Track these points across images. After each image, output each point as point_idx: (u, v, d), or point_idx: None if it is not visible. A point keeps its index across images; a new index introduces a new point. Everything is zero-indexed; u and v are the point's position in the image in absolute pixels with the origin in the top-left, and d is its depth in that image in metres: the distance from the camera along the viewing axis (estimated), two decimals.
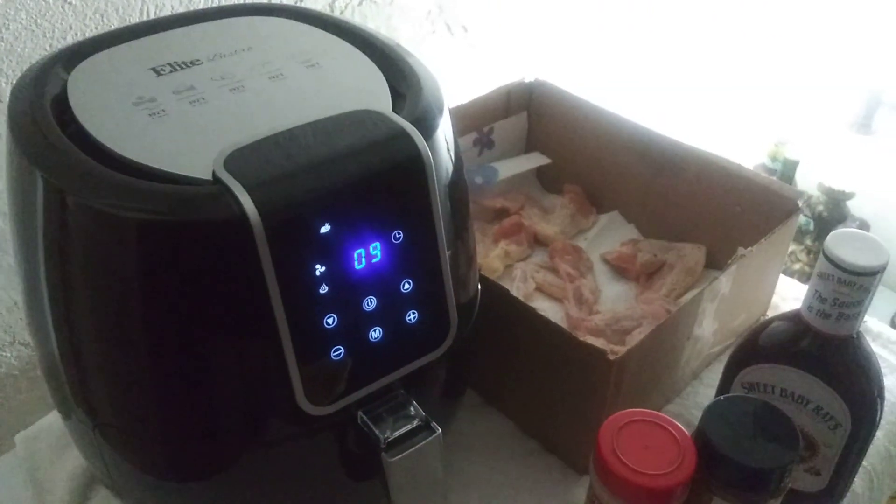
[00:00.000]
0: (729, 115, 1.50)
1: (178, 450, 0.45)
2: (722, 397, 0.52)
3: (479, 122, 0.86)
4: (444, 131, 0.47)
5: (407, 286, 0.43)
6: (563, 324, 0.74)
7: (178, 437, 0.44)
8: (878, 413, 0.55)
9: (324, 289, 0.40)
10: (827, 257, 0.50)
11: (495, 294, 0.60)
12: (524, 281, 0.77)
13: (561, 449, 0.64)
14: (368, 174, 0.41)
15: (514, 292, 0.75)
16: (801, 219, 1.64)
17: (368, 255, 0.41)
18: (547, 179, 0.93)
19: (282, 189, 0.39)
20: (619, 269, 0.81)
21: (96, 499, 0.59)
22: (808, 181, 1.57)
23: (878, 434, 0.66)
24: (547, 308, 0.76)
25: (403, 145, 0.42)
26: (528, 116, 0.91)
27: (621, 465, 0.48)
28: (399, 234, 0.42)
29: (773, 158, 1.65)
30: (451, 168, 0.48)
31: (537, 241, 0.85)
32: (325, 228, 0.39)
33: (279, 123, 0.42)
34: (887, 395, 0.67)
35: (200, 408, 0.43)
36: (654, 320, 0.70)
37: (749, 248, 0.65)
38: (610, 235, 0.85)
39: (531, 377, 0.63)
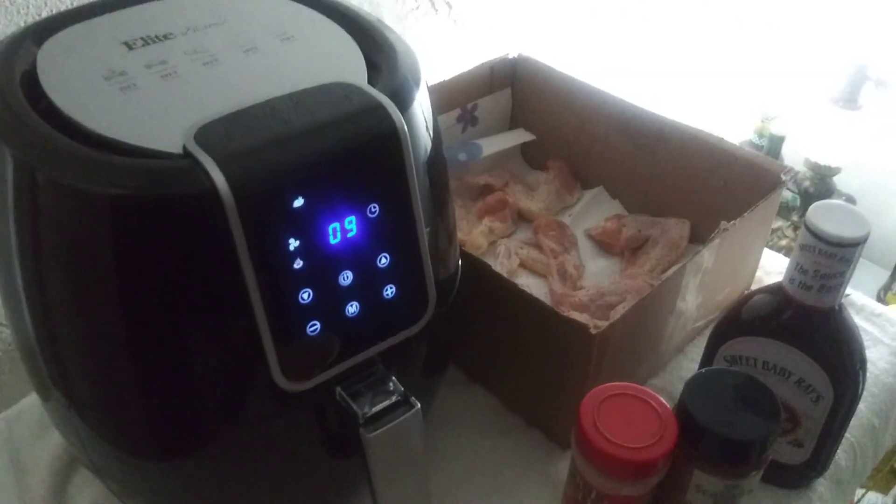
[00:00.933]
0: (715, 92, 1.50)
1: (154, 429, 0.45)
2: (703, 370, 0.52)
3: (462, 98, 0.86)
4: (422, 105, 0.46)
5: (384, 261, 0.43)
6: (546, 300, 0.74)
7: (154, 416, 0.44)
8: (860, 385, 0.56)
9: (298, 264, 0.40)
10: (808, 229, 0.50)
11: (477, 270, 0.60)
12: (508, 257, 0.76)
13: (544, 424, 0.64)
14: (343, 147, 0.40)
15: (497, 268, 0.75)
16: (788, 194, 1.64)
17: (343, 229, 0.41)
18: (531, 156, 0.93)
19: (254, 162, 0.38)
20: (604, 244, 0.81)
21: (78, 479, 0.59)
22: (795, 157, 1.57)
23: (862, 406, 0.66)
24: (531, 284, 0.76)
25: (379, 118, 0.41)
26: (513, 92, 0.90)
27: (602, 439, 0.48)
28: (375, 207, 0.41)
29: (760, 135, 1.64)
30: (429, 142, 0.47)
31: (521, 218, 0.84)
32: (299, 202, 0.39)
33: (253, 97, 0.41)
34: (871, 367, 0.68)
35: (176, 386, 0.42)
36: (638, 295, 0.70)
37: (732, 222, 0.64)
38: (594, 211, 0.85)
39: (514, 353, 0.63)
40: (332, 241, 0.41)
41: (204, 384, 0.43)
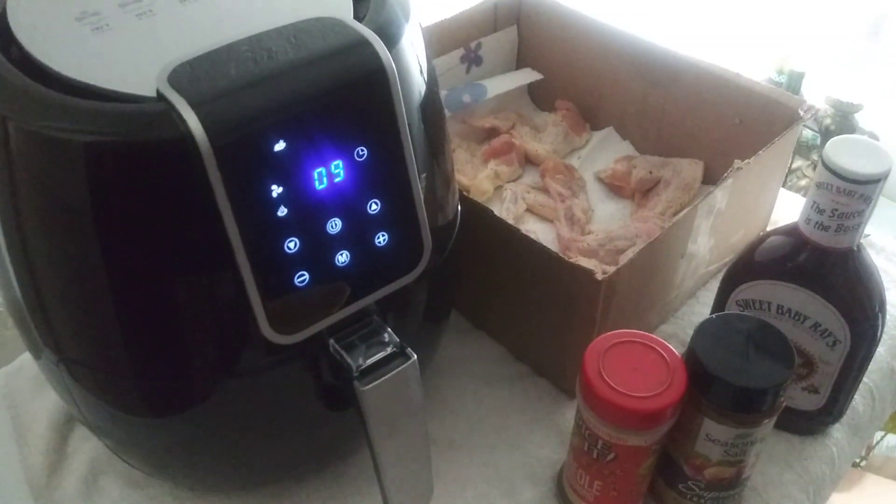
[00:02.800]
0: (735, 28, 1.45)
1: (143, 384, 0.43)
2: (713, 315, 0.50)
3: (465, 37, 0.82)
4: (413, 42, 0.44)
5: (374, 207, 0.41)
6: (554, 245, 0.72)
7: (143, 371, 0.42)
8: (879, 329, 0.53)
9: (282, 211, 0.37)
10: (826, 165, 0.47)
11: (479, 215, 0.58)
12: (514, 202, 0.74)
13: (551, 372, 0.63)
14: (326, 87, 0.38)
15: (503, 214, 0.73)
16: (808, 133, 1.60)
17: (330, 174, 0.38)
18: (539, 96, 0.89)
19: (230, 104, 0.36)
20: (614, 187, 0.78)
21: (76, 434, 0.58)
22: (816, 94, 1.52)
23: (881, 350, 0.64)
24: (538, 229, 0.74)
25: (364, 55, 0.39)
26: (518, 30, 0.87)
27: (607, 388, 0.46)
28: (363, 150, 0.39)
29: (780, 71, 1.59)
30: (422, 83, 0.45)
31: (529, 161, 0.81)
32: (280, 146, 0.36)
33: (231, 35, 0.38)
34: (891, 309, 0.65)
35: (161, 339, 0.41)
36: (649, 239, 0.67)
37: (746, 161, 0.61)
38: (604, 153, 0.82)
39: (519, 300, 0.61)
40: (318, 186, 0.38)
41: (190, 338, 0.41)
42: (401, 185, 0.42)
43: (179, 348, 0.41)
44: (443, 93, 0.80)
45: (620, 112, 0.83)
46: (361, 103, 0.39)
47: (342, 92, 0.38)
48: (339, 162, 0.39)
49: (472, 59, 0.84)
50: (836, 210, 0.48)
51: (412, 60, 0.44)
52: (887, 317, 0.54)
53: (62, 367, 0.44)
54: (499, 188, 0.77)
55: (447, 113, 0.80)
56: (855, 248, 0.51)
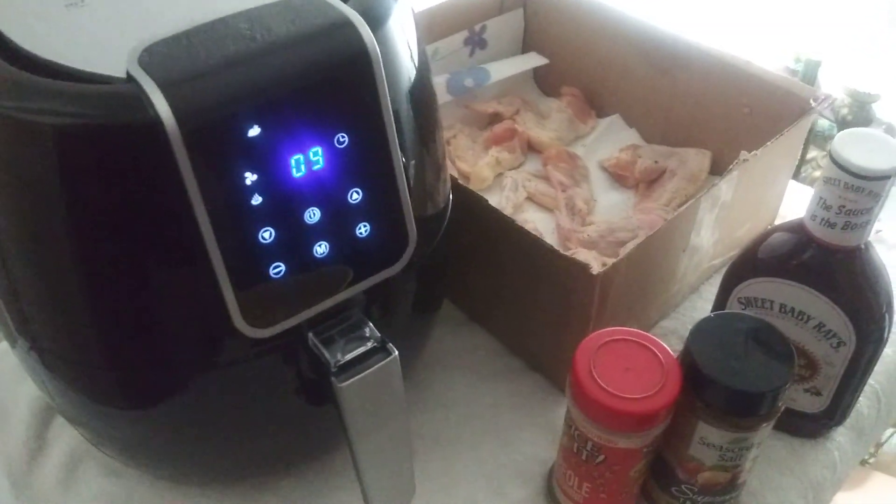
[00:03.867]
0: (751, 14, 1.41)
1: (116, 375, 0.42)
2: (711, 315, 0.48)
3: (469, 19, 0.80)
4: (402, 23, 0.42)
5: (356, 196, 0.39)
6: (553, 236, 0.70)
7: (114, 362, 0.41)
8: (886, 330, 0.51)
9: (256, 200, 0.36)
10: (833, 159, 0.45)
11: (473, 204, 0.56)
12: (514, 190, 0.72)
13: (546, 368, 0.61)
14: (304, 69, 0.36)
15: (502, 202, 0.71)
16: (824, 123, 1.56)
17: (308, 161, 0.37)
18: (545, 82, 0.87)
19: (201, 87, 0.34)
20: (617, 176, 0.76)
21: (57, 420, 0.57)
22: (833, 83, 1.48)
23: (888, 351, 0.62)
24: (538, 219, 0.72)
25: (346, 36, 0.37)
26: (525, 13, 0.84)
27: (598, 388, 0.44)
28: (343, 137, 0.37)
29: (797, 59, 1.56)
30: (412, 68, 0.43)
31: (532, 149, 0.79)
32: (254, 131, 0.35)
33: (207, 14, 0.37)
34: None
35: (131, 329, 0.39)
36: (651, 231, 0.65)
37: (753, 153, 0.59)
38: (610, 141, 0.79)
39: (514, 293, 0.60)
40: (296, 174, 0.37)
41: (161, 329, 0.40)
42: (384, 174, 0.40)
43: (150, 339, 0.40)
44: (445, 76, 0.78)
45: (627, 99, 0.80)
46: (342, 87, 0.37)
47: (322, 75, 0.36)
48: (317, 149, 0.37)
49: (477, 43, 0.82)
50: (844, 207, 0.46)
51: (401, 43, 0.42)
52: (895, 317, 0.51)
53: (34, 356, 0.43)
54: (499, 176, 0.75)
55: (449, 97, 0.78)
56: (863, 247, 0.49)
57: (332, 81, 0.37)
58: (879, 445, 1.29)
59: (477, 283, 0.63)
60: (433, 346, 0.62)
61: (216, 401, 0.44)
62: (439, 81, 0.77)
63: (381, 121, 0.38)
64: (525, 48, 0.86)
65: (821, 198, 0.47)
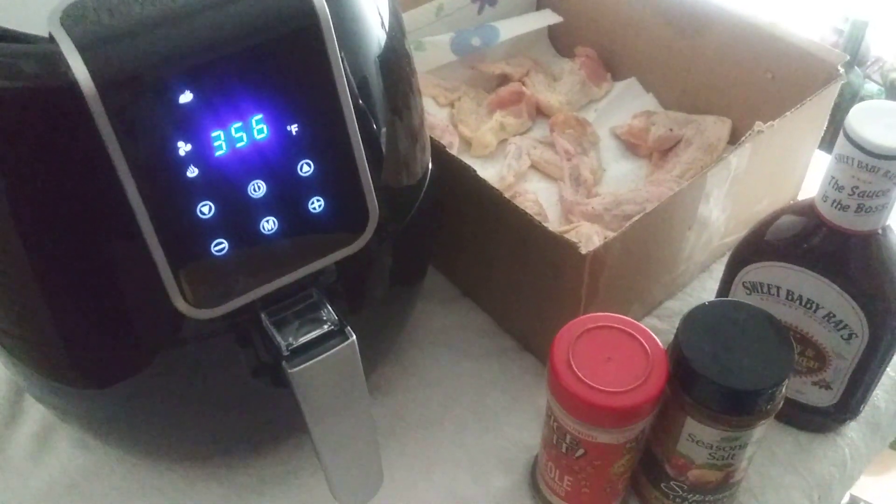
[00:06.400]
0: None
1: (61, 353, 0.40)
2: (705, 302, 0.44)
3: None
4: None
5: (306, 168, 0.36)
6: (557, 207, 0.66)
7: (57, 340, 0.39)
8: None
9: (192, 172, 0.33)
10: (846, 134, 0.41)
11: (460, 174, 0.52)
12: (518, 158, 0.68)
13: (537, 348, 0.58)
14: (241, 31, 0.32)
15: (504, 171, 0.67)
16: (872, 87, 1.48)
17: (249, 130, 0.34)
18: (561, 42, 0.82)
19: (124, 48, 0.31)
20: (630, 144, 0.71)
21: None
22: (883, 45, 1.40)
23: None
24: (542, 189, 0.68)
25: None
26: None
27: (575, 380, 0.41)
28: (289, 105, 0.34)
29: (846, 19, 1.47)
30: (379, 29, 0.39)
31: (541, 113, 0.75)
32: (186, 98, 0.32)
33: None
34: None
35: (73, 310, 0.37)
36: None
37: (769, 123, 0.54)
38: (624, 106, 0.75)
39: (504, 270, 0.56)
40: (237, 145, 0.34)
41: (103, 308, 0.37)
42: (338, 145, 0.36)
43: (95, 318, 0.38)
44: (450, 35, 0.73)
45: (645, 62, 0.75)
46: (286, 51, 0.34)
47: (260, 37, 0.33)
48: (258, 116, 0.34)
49: None
50: (857, 188, 0.41)
51: (366, 4, 0.38)
52: None
53: None
54: (503, 142, 0.71)
55: (454, 57, 0.74)
56: (879, 232, 0.44)
57: (274, 45, 0.33)
58: None
59: (468, 258, 0.60)
60: (421, 322, 0.59)
61: (173, 381, 0.41)
62: (443, 40, 0.72)
63: (333, 86, 0.35)
64: (540, 4, 0.81)
65: (832, 177, 0.42)
